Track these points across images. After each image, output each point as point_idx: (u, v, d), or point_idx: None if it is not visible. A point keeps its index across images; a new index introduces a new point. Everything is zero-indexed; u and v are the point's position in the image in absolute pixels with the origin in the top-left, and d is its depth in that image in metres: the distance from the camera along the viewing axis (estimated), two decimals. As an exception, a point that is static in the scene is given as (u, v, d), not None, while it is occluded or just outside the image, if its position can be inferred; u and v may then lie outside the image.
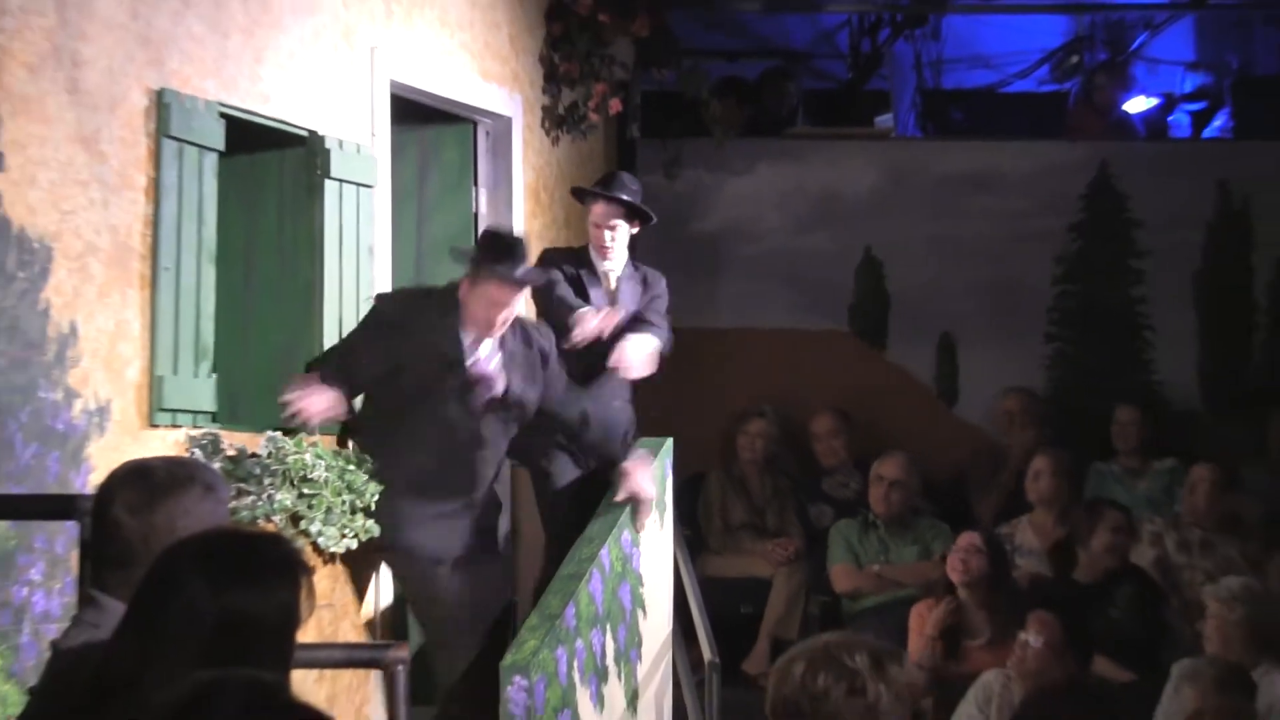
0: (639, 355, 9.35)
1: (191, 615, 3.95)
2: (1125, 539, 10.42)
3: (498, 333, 8.49)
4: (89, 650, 4.31)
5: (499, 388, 8.56)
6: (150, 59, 7.74)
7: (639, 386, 9.55)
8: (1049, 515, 11.15)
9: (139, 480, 4.75)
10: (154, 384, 7.78)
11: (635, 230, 9.52)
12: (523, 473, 9.53)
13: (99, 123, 7.47)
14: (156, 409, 7.76)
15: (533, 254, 9.11)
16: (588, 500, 9.01)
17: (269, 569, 4.10)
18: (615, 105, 11.23)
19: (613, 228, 9.44)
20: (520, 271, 8.42)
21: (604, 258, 9.52)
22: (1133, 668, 9.62)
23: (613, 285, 9.56)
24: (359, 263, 9.05)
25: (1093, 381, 13.09)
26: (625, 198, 9.44)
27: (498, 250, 8.44)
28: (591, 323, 9.08)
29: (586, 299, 9.35)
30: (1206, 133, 14.23)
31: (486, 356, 8.55)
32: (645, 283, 9.72)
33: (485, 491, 8.71)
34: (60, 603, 6.93)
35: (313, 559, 8.42)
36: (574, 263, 9.54)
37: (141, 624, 4.02)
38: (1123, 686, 9.44)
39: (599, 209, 9.48)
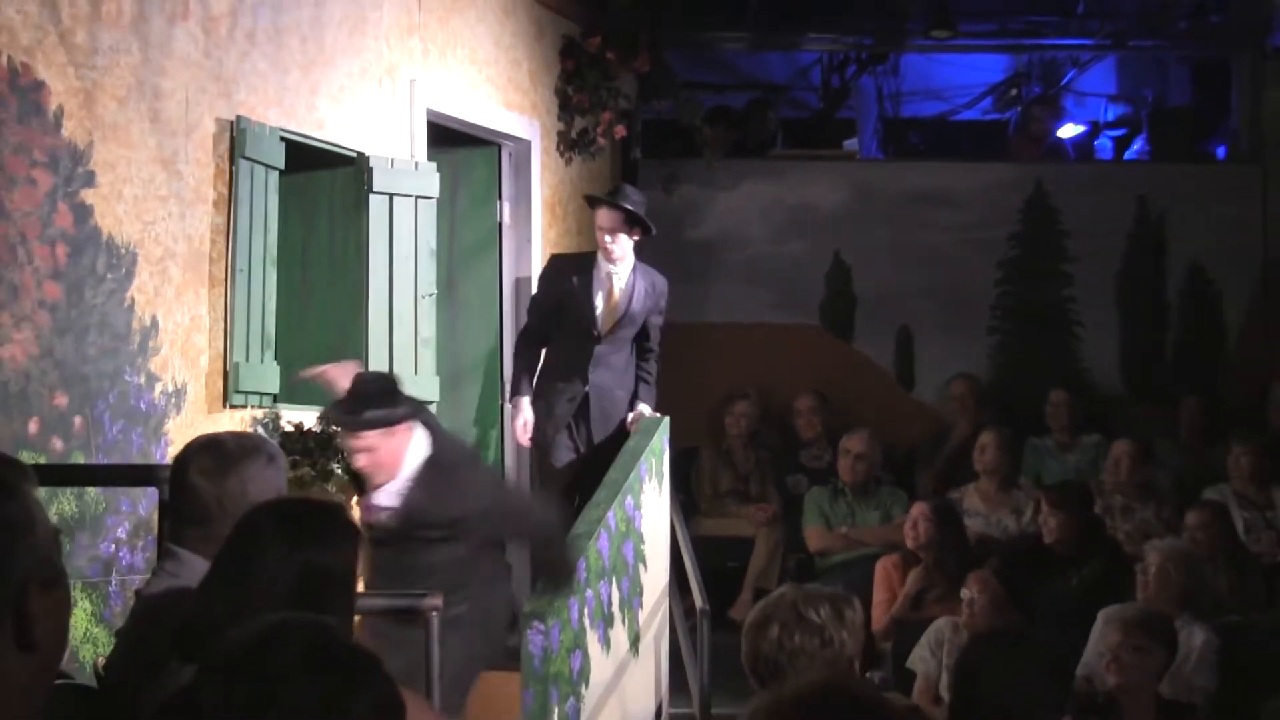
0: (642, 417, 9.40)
1: (274, 570, 3.98)
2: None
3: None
4: (168, 596, 4.34)
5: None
6: (221, 91, 7.75)
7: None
8: (992, 483, 11.13)
9: (213, 450, 4.77)
10: (230, 370, 7.79)
11: (636, 238, 9.30)
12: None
13: (176, 146, 7.49)
14: (233, 391, 7.80)
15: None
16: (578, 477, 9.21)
17: (337, 531, 4.16)
18: (620, 131, 11.21)
19: (614, 231, 9.22)
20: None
21: (608, 261, 9.28)
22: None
23: (615, 288, 9.32)
24: (416, 264, 9.07)
25: (1029, 368, 13.06)
26: (627, 206, 9.25)
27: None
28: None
29: (590, 301, 9.26)
30: (1127, 155, 14.22)
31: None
32: (647, 288, 9.49)
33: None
34: (143, 557, 6.93)
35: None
36: (579, 268, 9.38)
37: (229, 578, 4.03)
38: (1063, 639, 9.37)
39: (603, 215, 9.28)
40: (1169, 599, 8.72)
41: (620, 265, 9.32)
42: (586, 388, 9.35)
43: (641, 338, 9.54)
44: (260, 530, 4.09)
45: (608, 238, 9.24)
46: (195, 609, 4.06)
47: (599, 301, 9.30)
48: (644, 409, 9.51)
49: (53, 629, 2.68)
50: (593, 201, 9.57)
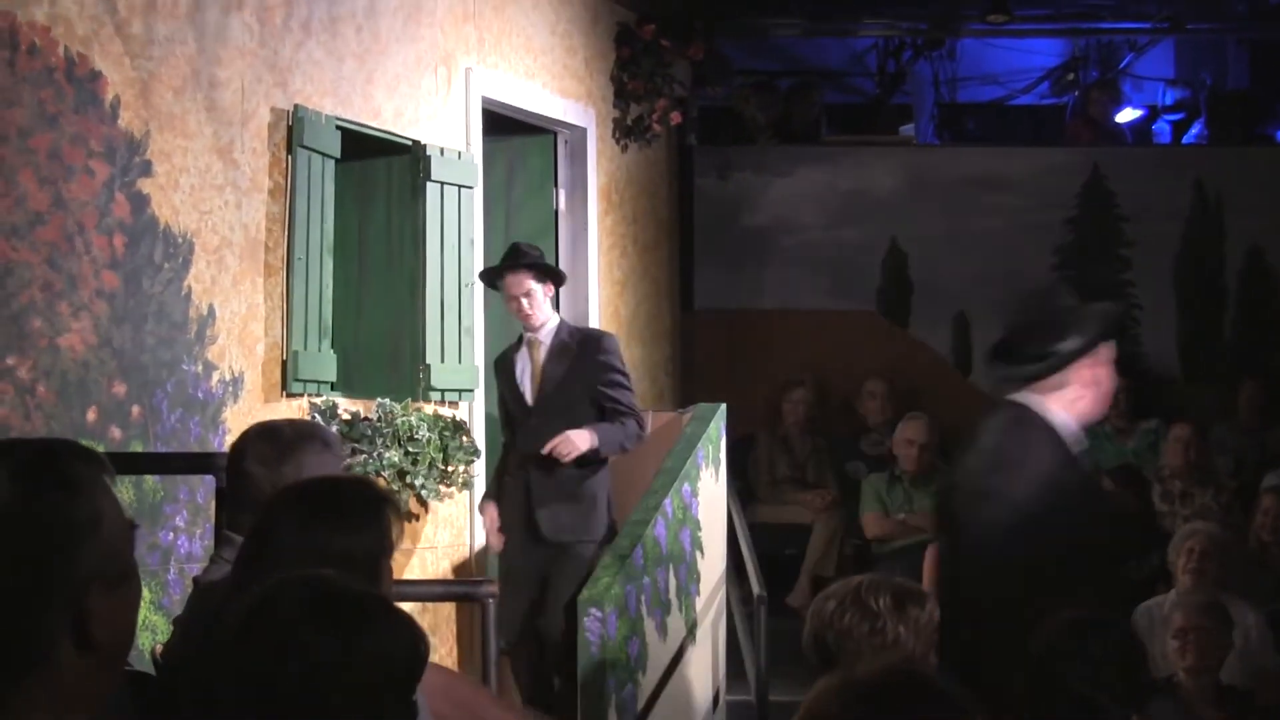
0: (572, 444, 8.40)
1: (288, 554, 3.94)
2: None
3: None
4: (224, 583, 4.31)
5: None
6: (276, 81, 7.75)
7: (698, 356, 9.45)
8: (1049, 469, 11.10)
9: (269, 438, 4.78)
10: (290, 358, 7.81)
11: (551, 293, 8.74)
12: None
13: (232, 135, 7.50)
14: (292, 379, 7.85)
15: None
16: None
17: (358, 511, 4.10)
18: (675, 118, 11.20)
19: (528, 293, 8.56)
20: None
21: (529, 326, 8.69)
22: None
23: (539, 354, 8.67)
24: (460, 254, 9.06)
25: (1086, 353, 13.02)
26: (526, 262, 8.63)
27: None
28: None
29: (518, 375, 8.73)
30: (1185, 139, 14.16)
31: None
32: (583, 345, 8.76)
33: None
34: (201, 545, 6.95)
35: (417, 508, 8.45)
36: (511, 350, 8.86)
37: (249, 561, 4.03)
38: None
39: (508, 283, 8.61)
40: (1213, 581, 8.68)
41: (543, 328, 8.70)
42: (528, 469, 8.64)
43: (602, 404, 8.69)
44: (277, 513, 4.10)
45: (522, 301, 8.61)
46: (226, 594, 4.03)
47: (525, 372, 8.76)
48: (575, 434, 8.46)
49: (117, 628, 2.66)
50: (491, 274, 8.85)
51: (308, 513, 4.04)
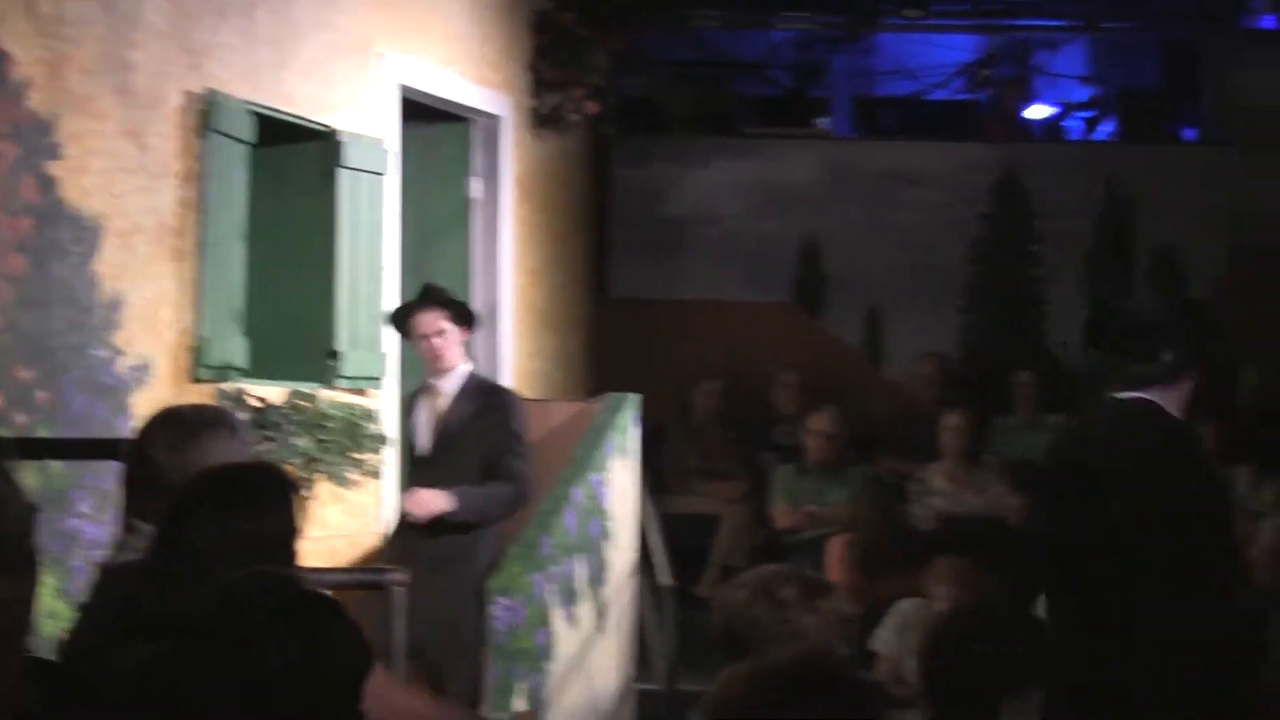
0: (426, 503, 8.03)
1: (203, 539, 3.96)
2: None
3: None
4: (127, 570, 4.31)
5: None
6: (190, 64, 7.70)
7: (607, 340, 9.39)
8: (957, 462, 11.14)
9: (172, 423, 4.74)
10: (199, 344, 7.77)
11: (465, 337, 8.45)
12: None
13: (145, 119, 7.45)
14: (200, 365, 7.78)
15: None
16: None
17: (269, 495, 4.13)
18: (592, 107, 11.20)
19: (440, 333, 8.24)
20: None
21: (438, 368, 8.33)
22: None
23: (441, 402, 8.33)
24: (372, 242, 9.03)
25: (997, 348, 13.13)
26: (448, 299, 8.43)
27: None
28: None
29: (417, 421, 8.40)
30: (1096, 136, 14.26)
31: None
32: (488, 402, 8.39)
33: None
34: (107, 531, 6.87)
35: (325, 496, 8.42)
36: (414, 396, 8.56)
37: (164, 550, 4.03)
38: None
39: (423, 321, 8.28)
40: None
41: (451, 374, 8.36)
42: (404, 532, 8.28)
43: (492, 466, 8.25)
44: (191, 499, 4.09)
45: (434, 341, 8.28)
46: (136, 582, 4.06)
47: (422, 420, 8.41)
48: (428, 494, 8.04)
49: (16, 615, 2.63)
50: (400, 318, 8.51)
51: (219, 499, 4.06)
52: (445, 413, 8.32)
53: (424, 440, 8.35)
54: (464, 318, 8.42)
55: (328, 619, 3.20)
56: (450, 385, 8.33)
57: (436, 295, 8.43)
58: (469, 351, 8.68)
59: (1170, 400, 5.86)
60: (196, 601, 3.21)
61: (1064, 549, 5.92)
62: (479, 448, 8.22)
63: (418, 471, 8.36)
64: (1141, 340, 5.97)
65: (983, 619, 5.02)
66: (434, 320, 8.26)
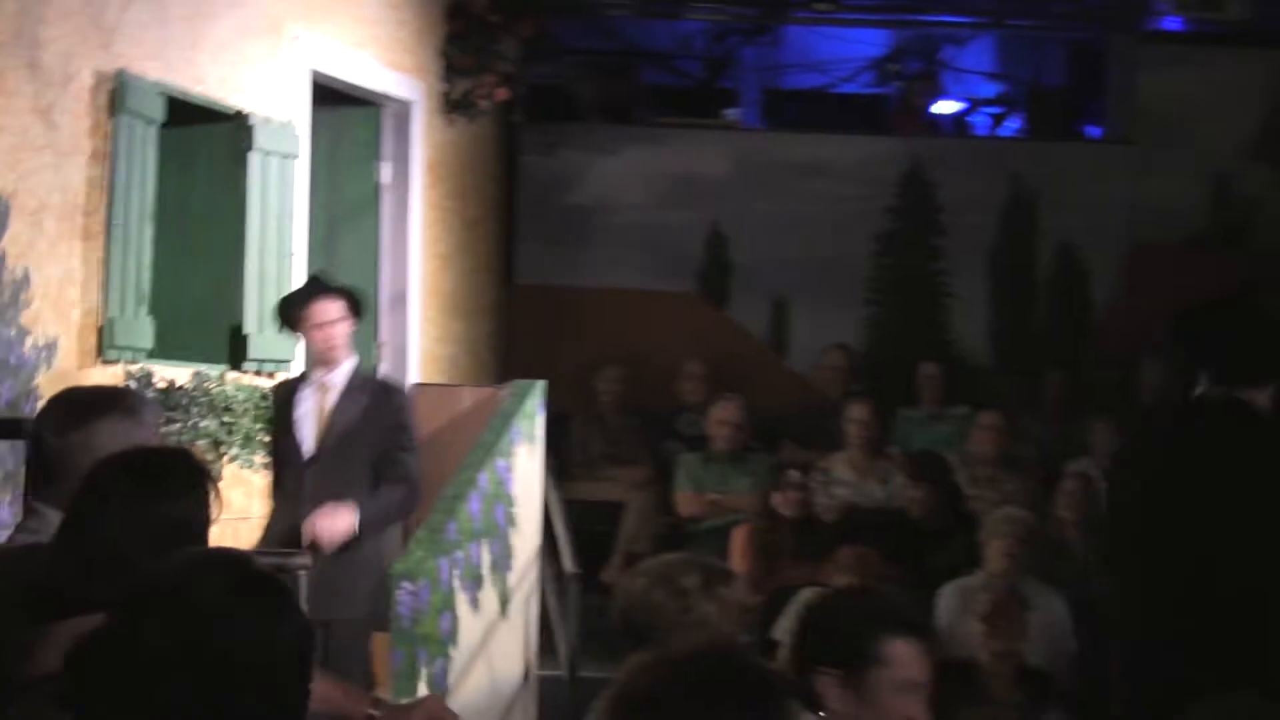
0: (332, 530, 7.66)
1: (121, 523, 3.94)
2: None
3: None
4: (22, 552, 4.28)
5: None
6: (101, 43, 7.68)
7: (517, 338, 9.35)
8: (861, 452, 11.20)
9: (65, 405, 4.73)
10: (106, 325, 7.74)
11: (353, 329, 8.08)
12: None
13: (54, 97, 7.43)
14: (108, 346, 7.76)
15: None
16: None
17: (184, 479, 4.10)
18: (502, 94, 11.22)
19: (334, 322, 7.90)
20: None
21: (331, 359, 7.95)
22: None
23: (329, 397, 7.93)
24: (281, 224, 9.01)
25: (901, 340, 13.20)
26: (346, 288, 8.17)
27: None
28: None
29: (292, 420, 7.92)
30: (1002, 132, 14.36)
31: None
32: (377, 397, 8.04)
33: None
34: (12, 511, 6.87)
35: (230, 478, 8.39)
36: (294, 386, 8.06)
37: (77, 533, 4.00)
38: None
39: (322, 309, 7.91)
40: (1017, 566, 8.82)
41: (340, 367, 8.00)
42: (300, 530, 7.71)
43: (384, 464, 8.00)
44: (105, 483, 4.05)
45: (330, 330, 7.92)
46: (46, 566, 4.03)
47: (307, 415, 7.95)
48: (329, 520, 7.63)
49: None
50: (295, 305, 8.09)
51: (132, 483, 4.02)
52: (333, 409, 7.93)
53: (309, 439, 7.90)
54: (356, 308, 8.10)
55: (281, 595, 3.24)
56: (339, 379, 7.97)
57: (332, 284, 8.19)
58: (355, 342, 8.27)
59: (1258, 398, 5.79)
60: (136, 582, 3.20)
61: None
62: (370, 446, 7.92)
63: (305, 472, 7.88)
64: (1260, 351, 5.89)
65: (855, 596, 5.07)
66: (329, 308, 7.92)
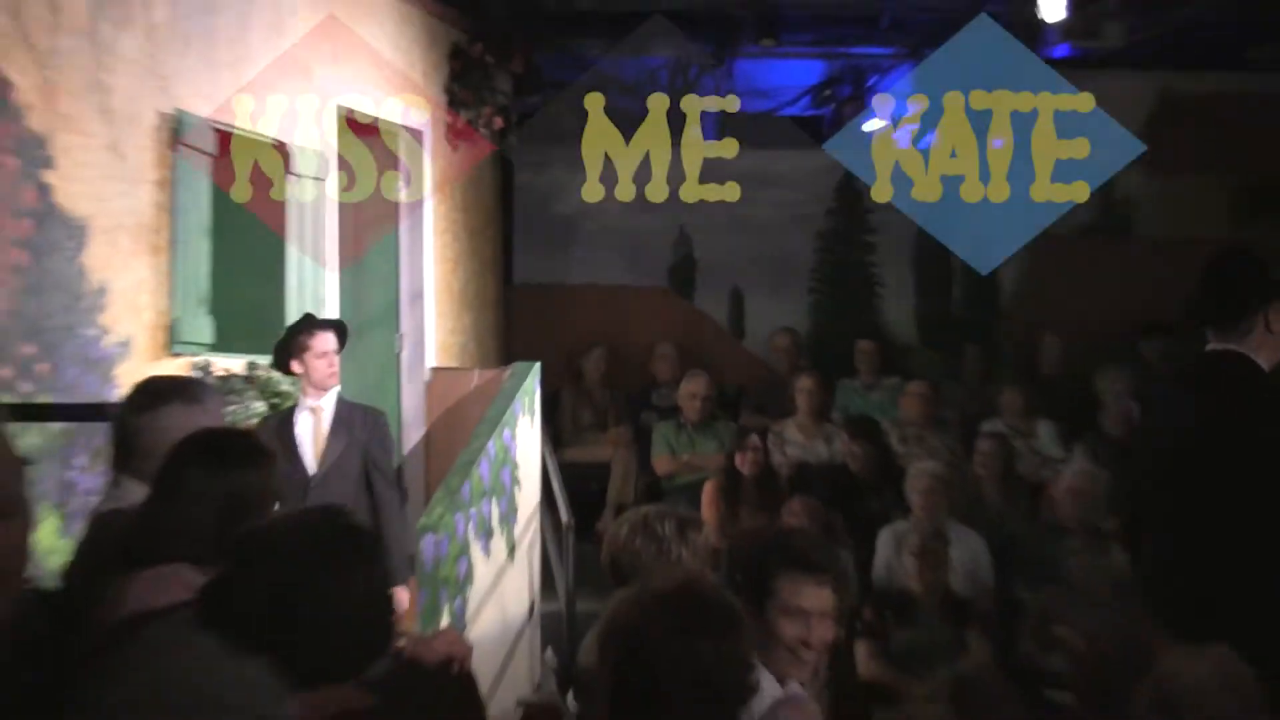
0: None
1: (200, 492, 3.99)
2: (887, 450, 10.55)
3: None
4: (114, 517, 4.35)
5: None
6: (160, 88, 7.71)
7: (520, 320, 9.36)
8: (809, 418, 11.26)
9: (139, 392, 4.76)
10: (172, 324, 7.77)
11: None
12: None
13: (122, 134, 7.44)
14: (174, 342, 7.77)
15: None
16: None
17: (253, 456, 4.16)
18: (498, 122, 11.22)
19: (334, 351, 7.72)
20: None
21: (327, 386, 7.73)
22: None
23: (324, 426, 7.73)
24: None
25: (840, 322, 13.22)
26: (343, 323, 7.94)
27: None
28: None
29: (294, 443, 7.64)
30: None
31: None
32: (360, 421, 7.82)
33: None
34: (98, 482, 6.90)
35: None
36: (280, 419, 7.76)
37: (163, 500, 4.04)
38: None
39: (323, 338, 7.70)
40: (939, 511, 8.90)
41: (330, 392, 7.80)
42: None
43: (372, 478, 7.83)
44: (187, 458, 4.09)
45: (334, 358, 7.75)
46: (137, 526, 4.07)
47: (306, 439, 7.73)
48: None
49: (8, 554, 2.67)
50: (305, 328, 7.82)
51: (205, 459, 4.06)
52: (330, 433, 7.72)
53: (310, 459, 7.65)
54: (344, 339, 7.89)
55: (369, 545, 3.44)
56: (329, 404, 7.78)
57: (328, 319, 8.02)
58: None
59: (1251, 341, 5.49)
60: (252, 531, 3.44)
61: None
62: (360, 466, 7.74)
63: (310, 490, 7.59)
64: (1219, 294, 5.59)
65: (754, 536, 5.11)
66: (329, 339, 7.72)
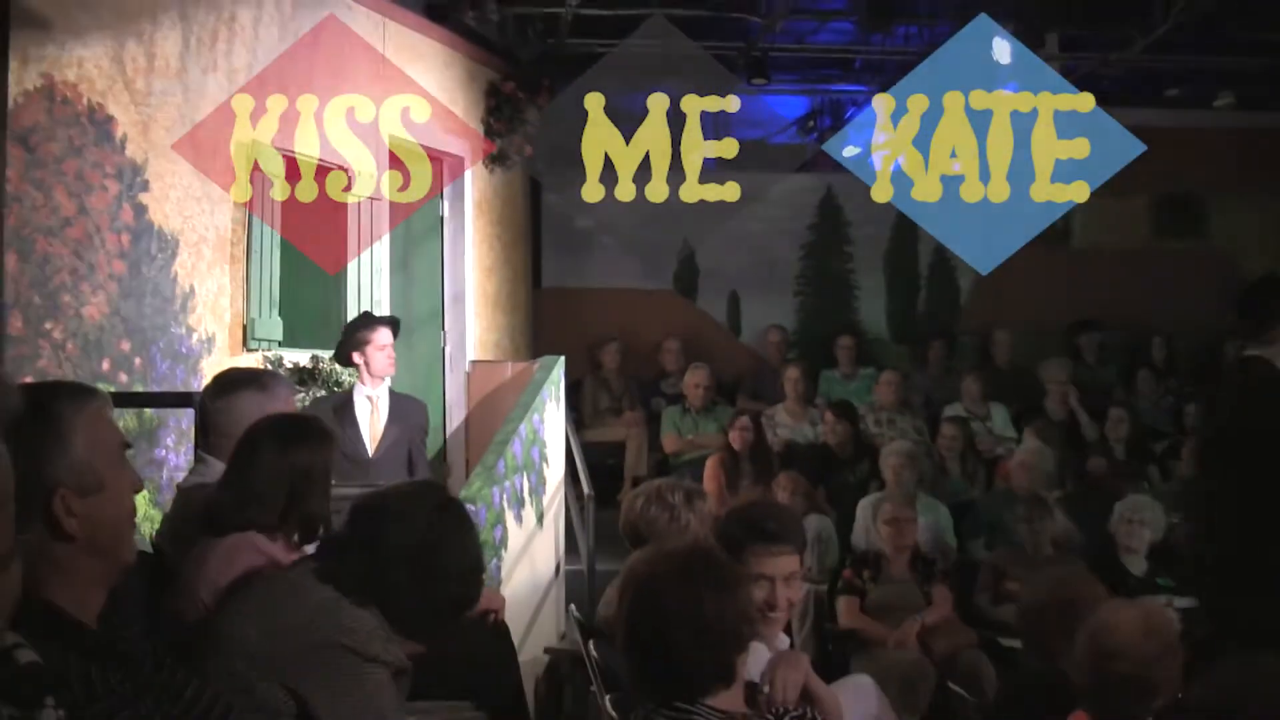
0: None
1: (270, 468, 4.02)
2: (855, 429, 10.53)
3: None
4: (197, 490, 4.38)
5: None
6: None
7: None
8: (796, 403, 11.28)
9: (221, 380, 4.79)
10: (248, 323, 7.79)
11: None
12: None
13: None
14: (250, 339, 7.80)
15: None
16: None
17: (315, 438, 4.18)
18: (529, 150, 11.25)
19: (391, 345, 7.58)
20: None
21: (384, 376, 7.54)
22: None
23: (382, 414, 7.54)
24: (371, 246, 9.08)
25: (822, 320, 13.23)
26: (391, 320, 7.75)
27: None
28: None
29: (355, 424, 7.47)
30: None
31: None
32: (406, 411, 7.66)
33: None
34: (185, 460, 6.94)
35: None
36: (330, 403, 7.57)
37: (238, 475, 4.08)
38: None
39: (383, 333, 7.55)
40: (909, 483, 8.90)
41: (385, 383, 7.61)
42: None
43: (415, 458, 7.62)
44: (259, 439, 4.11)
45: (392, 351, 7.61)
46: (216, 497, 4.10)
47: (366, 424, 7.55)
48: None
49: (94, 525, 2.68)
50: (366, 324, 7.68)
51: (275, 440, 4.09)
52: (386, 422, 7.55)
53: (369, 445, 7.47)
54: (397, 334, 7.74)
55: (464, 514, 3.54)
56: (383, 395, 7.59)
57: (384, 316, 7.85)
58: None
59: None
60: (369, 499, 3.56)
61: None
62: (406, 448, 7.54)
63: (369, 467, 7.38)
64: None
65: (733, 512, 5.14)
66: (388, 334, 7.60)
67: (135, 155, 6.86)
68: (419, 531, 3.44)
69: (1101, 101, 6.54)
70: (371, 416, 7.54)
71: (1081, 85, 6.42)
